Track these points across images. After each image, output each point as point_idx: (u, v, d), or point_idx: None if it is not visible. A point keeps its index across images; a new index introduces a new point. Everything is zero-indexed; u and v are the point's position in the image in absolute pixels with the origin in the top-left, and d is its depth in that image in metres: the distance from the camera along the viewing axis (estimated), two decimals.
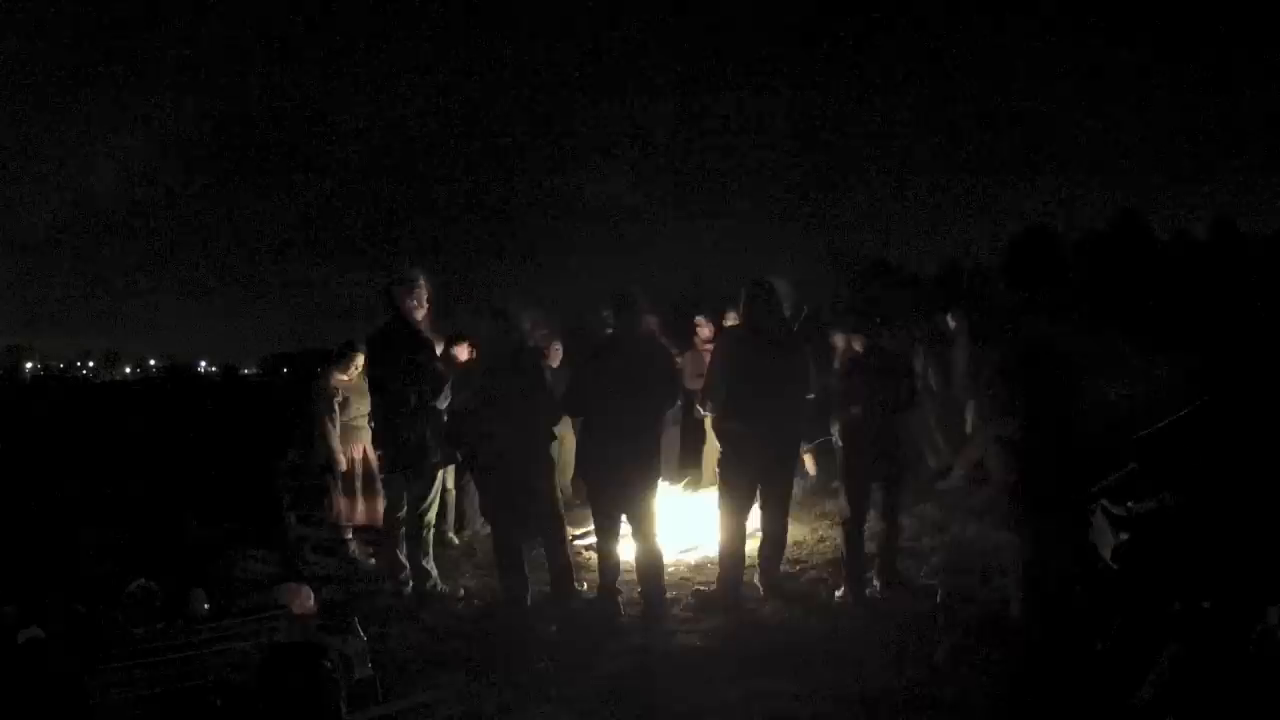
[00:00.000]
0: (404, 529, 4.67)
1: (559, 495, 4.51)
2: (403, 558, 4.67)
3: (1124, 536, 4.09)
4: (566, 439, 5.54)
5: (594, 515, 4.37)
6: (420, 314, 4.60)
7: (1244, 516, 3.85)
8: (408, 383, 4.44)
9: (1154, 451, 3.84)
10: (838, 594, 4.47)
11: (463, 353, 5.70)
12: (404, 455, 4.51)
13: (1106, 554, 4.08)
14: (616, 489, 4.24)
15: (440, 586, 4.63)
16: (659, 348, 4.41)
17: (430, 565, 4.65)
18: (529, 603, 4.33)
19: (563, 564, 4.40)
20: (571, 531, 5.55)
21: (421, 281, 4.62)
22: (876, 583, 4.49)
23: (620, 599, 4.32)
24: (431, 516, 4.70)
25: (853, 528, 4.46)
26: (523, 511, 4.33)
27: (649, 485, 4.30)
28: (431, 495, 4.64)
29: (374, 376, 4.71)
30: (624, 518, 4.34)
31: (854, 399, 4.45)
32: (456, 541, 5.89)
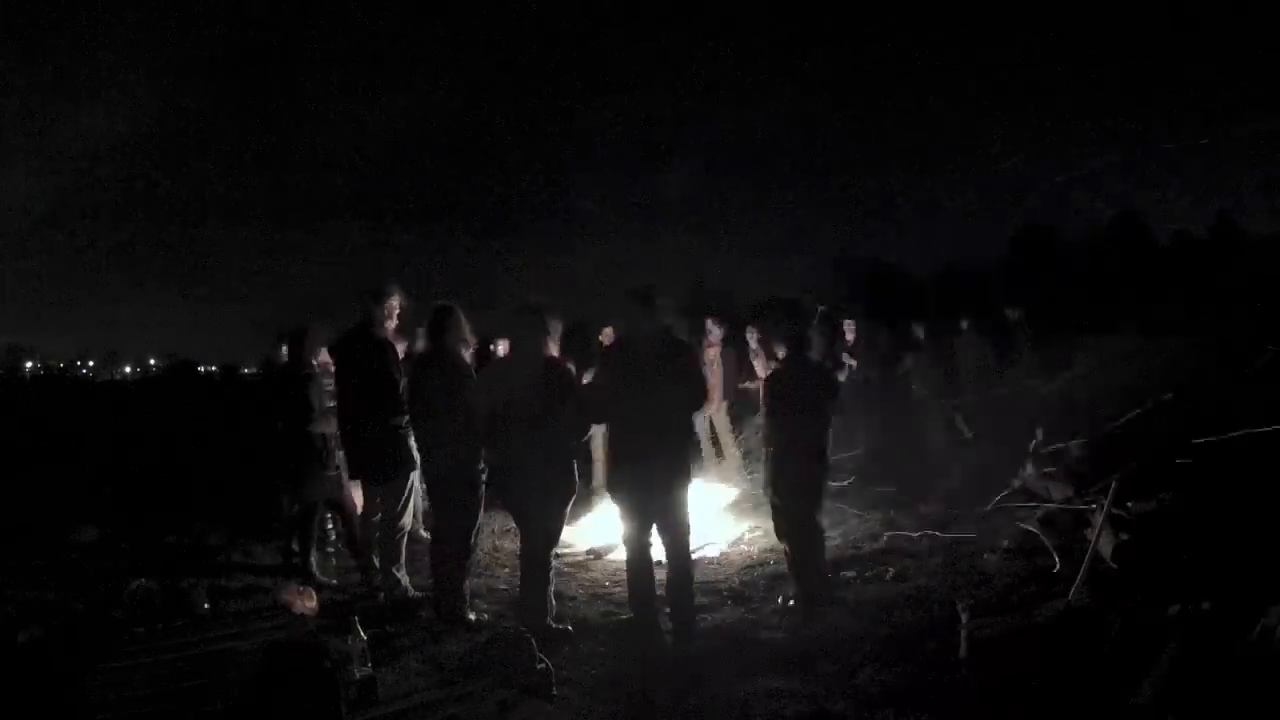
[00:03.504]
0: (377, 535, 4.66)
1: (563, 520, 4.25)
2: (375, 564, 4.66)
3: (1124, 536, 4.10)
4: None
5: (624, 525, 4.09)
6: (390, 325, 4.67)
7: (1243, 517, 3.85)
8: (376, 391, 4.43)
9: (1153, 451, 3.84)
10: (786, 601, 4.42)
11: (501, 350, 5.80)
12: (378, 464, 4.52)
13: (1107, 554, 4.09)
14: (646, 495, 3.99)
15: (412, 593, 4.57)
16: (680, 344, 4.19)
17: (402, 573, 4.60)
18: (549, 619, 4.07)
19: (543, 595, 4.15)
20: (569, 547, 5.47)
21: (395, 296, 4.66)
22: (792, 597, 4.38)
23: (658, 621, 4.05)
24: (406, 522, 4.65)
25: (790, 537, 4.41)
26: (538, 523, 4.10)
27: (680, 490, 4.03)
28: (404, 501, 4.59)
29: (343, 381, 4.72)
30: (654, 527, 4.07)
31: (774, 410, 4.41)
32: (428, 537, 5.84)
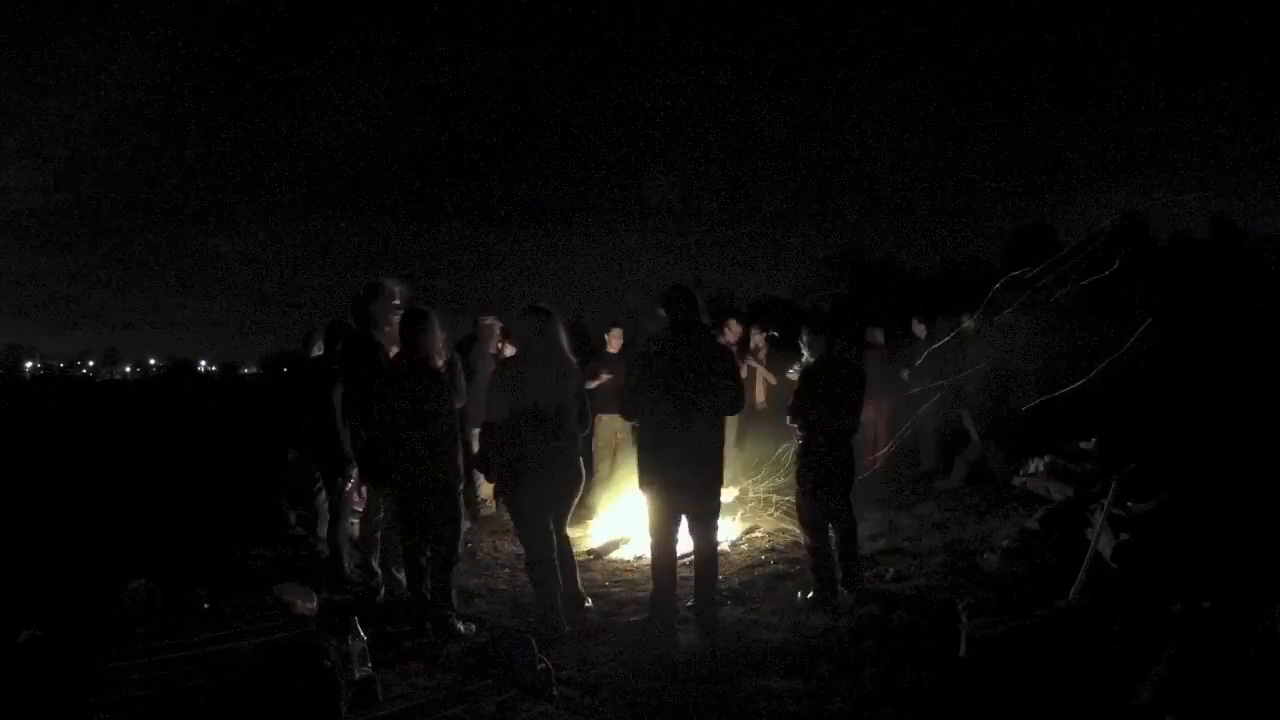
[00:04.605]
0: (378, 534, 4.64)
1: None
2: (375, 564, 4.64)
3: (1124, 536, 4.11)
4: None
5: (652, 523, 4.12)
6: (394, 319, 4.52)
7: (1243, 517, 3.86)
8: (375, 395, 4.33)
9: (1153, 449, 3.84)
10: (803, 595, 4.47)
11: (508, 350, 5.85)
12: (379, 466, 4.43)
13: (1107, 554, 4.10)
14: (678, 496, 4.04)
15: (410, 595, 4.55)
16: (718, 345, 4.18)
17: (402, 574, 4.50)
18: (564, 626, 4.02)
19: (573, 591, 4.19)
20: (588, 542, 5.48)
21: (392, 290, 4.59)
22: (844, 590, 4.46)
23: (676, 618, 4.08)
24: None
25: (813, 534, 4.47)
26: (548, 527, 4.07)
27: (714, 492, 4.10)
28: None
29: (348, 384, 4.68)
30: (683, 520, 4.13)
31: (809, 409, 4.47)
32: None
